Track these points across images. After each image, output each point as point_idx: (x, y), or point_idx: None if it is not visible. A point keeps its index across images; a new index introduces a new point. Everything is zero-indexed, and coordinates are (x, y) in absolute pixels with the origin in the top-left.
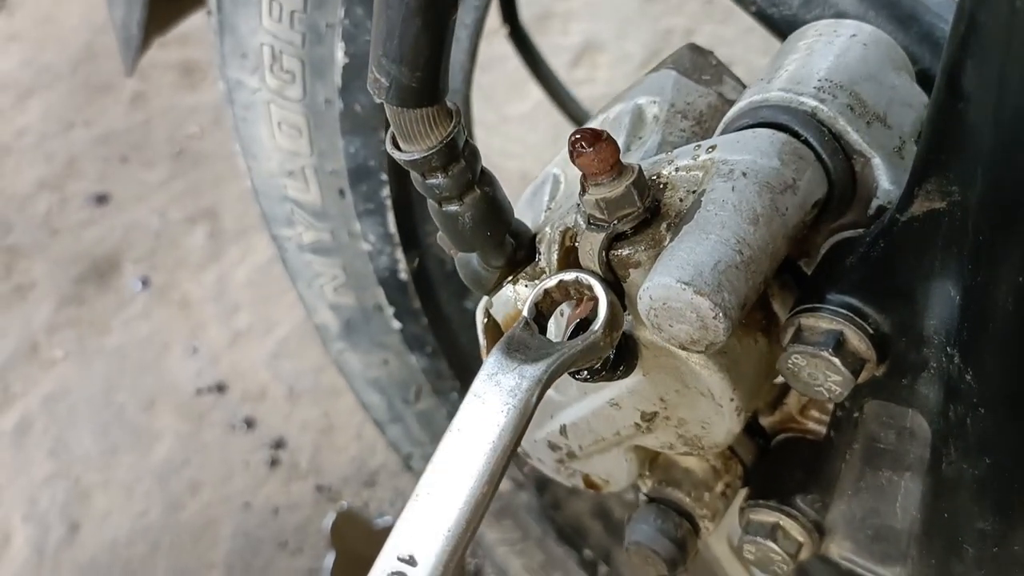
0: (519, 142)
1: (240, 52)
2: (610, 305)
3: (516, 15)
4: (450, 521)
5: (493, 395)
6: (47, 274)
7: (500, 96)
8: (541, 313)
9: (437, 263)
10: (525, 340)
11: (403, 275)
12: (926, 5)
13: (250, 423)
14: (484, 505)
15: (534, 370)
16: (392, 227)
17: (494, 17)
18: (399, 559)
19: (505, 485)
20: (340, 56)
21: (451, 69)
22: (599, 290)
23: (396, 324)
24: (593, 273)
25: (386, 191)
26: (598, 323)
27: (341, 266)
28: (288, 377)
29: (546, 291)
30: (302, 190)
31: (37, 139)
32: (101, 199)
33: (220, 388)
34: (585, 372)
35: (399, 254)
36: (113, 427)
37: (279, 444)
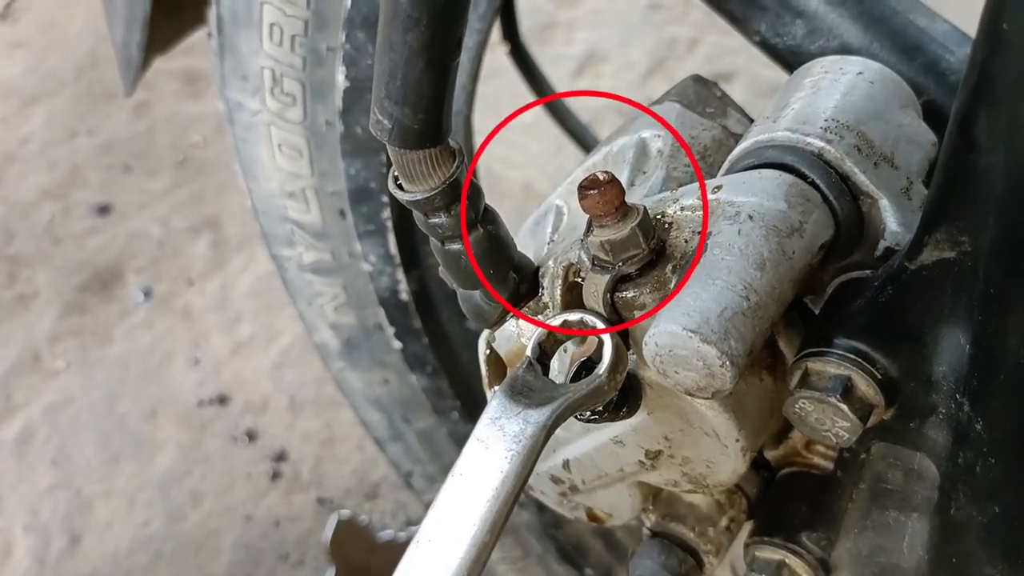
0: (522, 151)
1: (241, 74)
2: (615, 348)
3: (517, 33)
4: (451, 570)
5: (497, 440)
6: (50, 283)
7: (503, 106)
8: (544, 352)
9: (438, 283)
10: (529, 382)
11: (404, 295)
12: (931, 35)
13: (252, 435)
14: (486, 554)
15: (538, 415)
16: (393, 248)
17: (496, 29)
18: None
19: None
20: (341, 79)
21: (455, 92)
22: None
23: (397, 344)
24: (597, 313)
25: (387, 212)
26: (603, 367)
27: (342, 286)
28: (290, 388)
29: (550, 333)
30: (303, 211)
31: (41, 147)
32: (104, 208)
33: (222, 399)
34: (589, 413)
35: (400, 274)
36: (115, 437)
37: (281, 456)
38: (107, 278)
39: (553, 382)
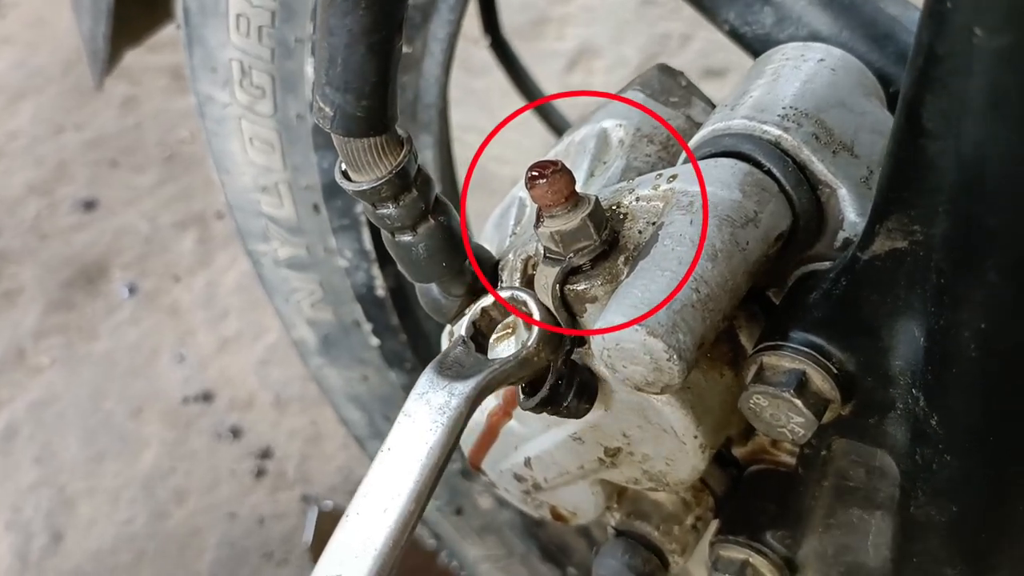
0: (513, 148)
1: (210, 66)
2: (543, 320)
3: (497, 25)
4: (378, 541)
5: (423, 413)
6: (35, 279)
7: (494, 102)
8: (480, 332)
9: None
10: (460, 358)
11: (380, 291)
12: (903, 24)
13: (237, 431)
14: (412, 523)
15: (463, 387)
16: (368, 243)
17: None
18: None
19: (488, 502)
20: (310, 71)
21: (426, 82)
22: (532, 305)
23: (374, 340)
24: (529, 292)
25: (361, 207)
26: (531, 338)
27: (318, 282)
28: (276, 385)
29: (483, 310)
30: (276, 205)
31: (27, 143)
32: (90, 204)
33: (207, 396)
34: (537, 402)
35: (375, 270)
36: (99, 434)
37: (266, 453)
38: (93, 274)
39: (483, 357)
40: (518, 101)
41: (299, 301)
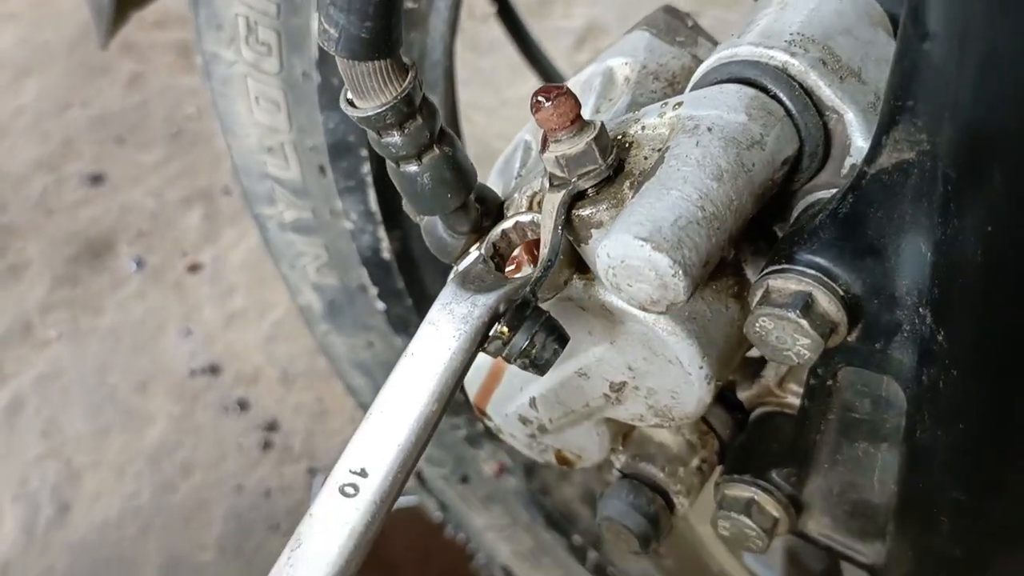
0: (519, 125)
1: (215, 24)
2: (563, 237)
3: None
4: (401, 436)
5: (446, 322)
6: (42, 254)
7: (501, 80)
8: (499, 254)
9: (420, 242)
10: (480, 274)
11: (386, 254)
12: None
13: (243, 405)
14: (434, 423)
15: (486, 299)
16: (374, 205)
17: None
18: (351, 471)
19: (492, 470)
20: (317, 27)
21: (432, 40)
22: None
23: (380, 305)
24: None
25: (367, 167)
26: (553, 252)
27: (323, 245)
28: (282, 360)
29: (503, 231)
30: (282, 167)
31: (33, 119)
32: (97, 179)
33: (214, 370)
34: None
35: (381, 232)
36: (106, 408)
37: (272, 427)
38: (99, 249)
39: (504, 275)
40: (524, 79)
41: (305, 266)
